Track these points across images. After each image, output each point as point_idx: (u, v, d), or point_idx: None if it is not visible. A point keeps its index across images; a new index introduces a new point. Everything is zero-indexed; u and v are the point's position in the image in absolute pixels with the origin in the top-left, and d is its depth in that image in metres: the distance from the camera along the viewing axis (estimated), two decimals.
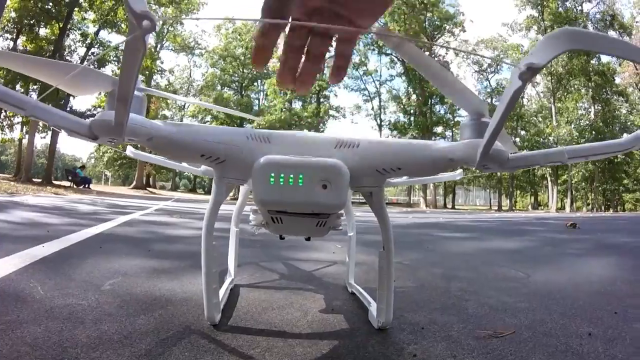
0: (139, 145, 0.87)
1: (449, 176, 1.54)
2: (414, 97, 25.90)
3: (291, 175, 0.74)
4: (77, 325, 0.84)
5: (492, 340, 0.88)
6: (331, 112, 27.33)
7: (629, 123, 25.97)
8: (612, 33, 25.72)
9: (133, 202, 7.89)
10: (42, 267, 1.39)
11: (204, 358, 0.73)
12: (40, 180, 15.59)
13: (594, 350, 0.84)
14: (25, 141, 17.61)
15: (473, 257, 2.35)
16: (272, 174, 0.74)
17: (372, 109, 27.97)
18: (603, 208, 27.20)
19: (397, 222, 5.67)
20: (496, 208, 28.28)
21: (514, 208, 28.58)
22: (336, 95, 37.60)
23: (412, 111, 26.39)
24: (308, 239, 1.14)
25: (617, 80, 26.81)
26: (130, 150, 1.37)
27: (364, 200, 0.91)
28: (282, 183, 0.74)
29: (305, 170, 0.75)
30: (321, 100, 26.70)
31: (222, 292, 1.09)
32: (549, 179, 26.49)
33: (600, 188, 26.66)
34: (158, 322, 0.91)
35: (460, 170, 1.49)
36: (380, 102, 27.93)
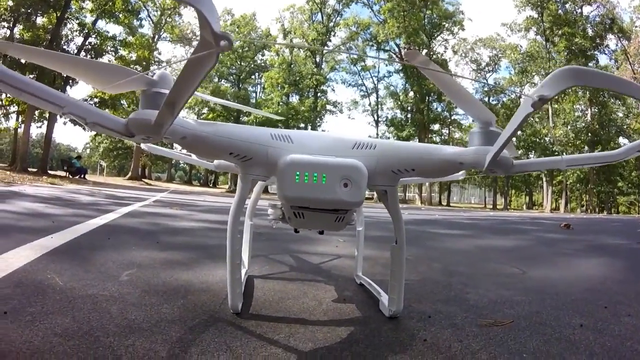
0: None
1: (453, 176, 1.62)
2: (411, 94, 25.82)
3: (315, 174, 0.81)
4: (104, 315, 0.88)
5: (493, 328, 0.97)
6: (328, 107, 27.22)
7: (625, 126, 26.13)
8: (610, 36, 25.81)
9: (130, 193, 7.91)
10: (55, 259, 1.41)
11: (234, 343, 0.79)
12: (35, 170, 15.51)
13: (585, 339, 0.92)
14: (20, 130, 17.51)
15: (471, 253, 2.44)
16: (298, 173, 0.81)
17: (370, 104, 27.82)
18: (597, 210, 27.35)
19: None
20: (491, 206, 28.43)
21: (508, 207, 28.73)
22: (334, 90, 37.40)
23: (409, 108, 26.32)
24: (321, 232, 1.21)
25: None
26: (144, 144, 1.43)
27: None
28: (306, 181, 0.81)
29: (328, 170, 0.82)
30: (319, 94, 26.56)
31: None
32: (544, 179, 26.63)
33: (595, 190, 26.78)
34: (182, 311, 0.96)
35: (463, 171, 1.57)
36: (377, 98, 27.79)
